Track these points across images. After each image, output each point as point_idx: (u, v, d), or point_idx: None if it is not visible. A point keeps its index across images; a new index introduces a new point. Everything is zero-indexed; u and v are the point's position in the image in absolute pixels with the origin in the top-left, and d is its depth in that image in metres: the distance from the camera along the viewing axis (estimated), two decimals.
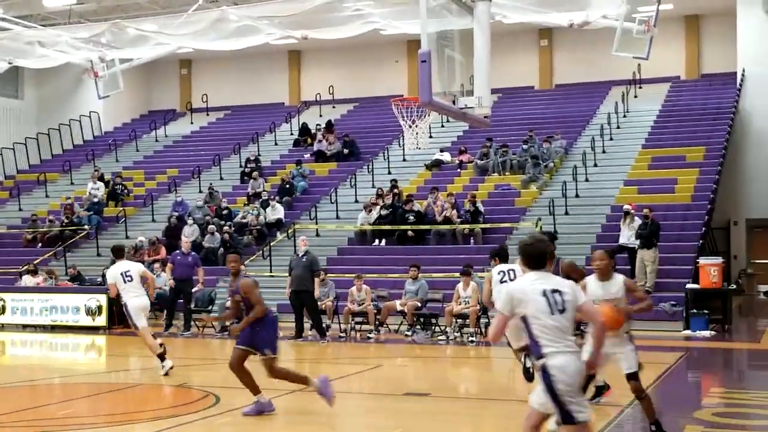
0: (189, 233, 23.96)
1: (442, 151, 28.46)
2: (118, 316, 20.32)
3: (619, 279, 8.21)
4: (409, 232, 23.10)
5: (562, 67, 33.91)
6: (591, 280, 8.20)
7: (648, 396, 8.20)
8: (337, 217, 25.30)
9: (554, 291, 5.70)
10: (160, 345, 13.12)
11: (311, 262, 18.09)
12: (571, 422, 5.69)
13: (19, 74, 35.20)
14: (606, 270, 8.19)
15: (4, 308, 21.30)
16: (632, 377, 8.08)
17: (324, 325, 17.94)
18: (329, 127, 31.33)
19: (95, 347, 18.13)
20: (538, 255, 5.87)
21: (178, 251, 20.07)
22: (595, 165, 25.92)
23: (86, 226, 26.93)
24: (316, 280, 18.12)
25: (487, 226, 22.94)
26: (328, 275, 19.37)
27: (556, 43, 33.87)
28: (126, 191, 29.73)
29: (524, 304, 5.70)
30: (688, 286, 18.70)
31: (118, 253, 13.84)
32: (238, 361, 9.76)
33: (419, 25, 10.35)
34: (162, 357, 12.96)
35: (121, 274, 13.20)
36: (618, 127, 28.31)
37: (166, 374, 12.72)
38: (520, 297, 5.72)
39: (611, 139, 27.59)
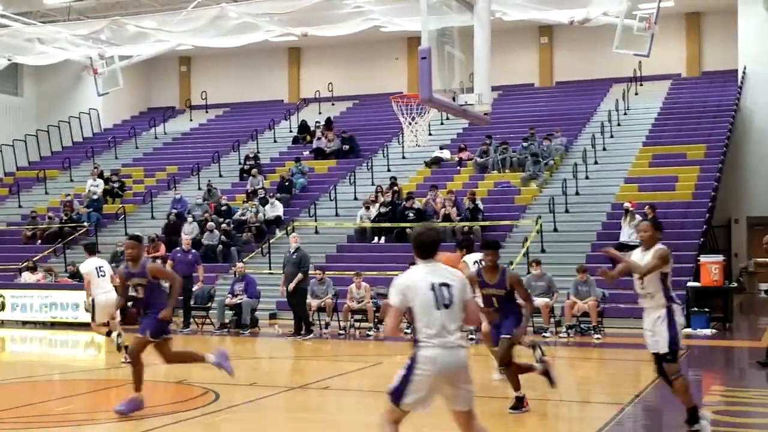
0: (189, 231, 23.93)
1: (441, 148, 28.42)
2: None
3: (649, 252, 8.16)
4: (408, 230, 23.04)
5: (563, 65, 33.87)
6: (636, 251, 8.34)
7: (682, 377, 8.06)
8: (337, 215, 25.26)
9: (442, 285, 5.67)
10: (119, 344, 13.74)
11: (300, 259, 18.13)
12: (395, 401, 5.73)
13: (19, 71, 35.13)
14: (649, 240, 8.18)
15: (3, 305, 21.28)
16: (663, 359, 7.99)
17: (324, 323, 17.91)
18: (328, 124, 31.28)
19: (94, 344, 18.09)
20: (430, 244, 5.79)
21: (178, 249, 20.07)
22: (596, 163, 25.88)
23: (85, 223, 26.90)
24: (299, 276, 17.99)
25: (487, 223, 22.91)
26: (327, 273, 19.35)
27: (557, 41, 33.82)
28: (122, 188, 29.63)
29: (412, 297, 5.64)
30: (689, 284, 18.66)
31: (91, 249, 14.97)
32: (139, 349, 9.61)
33: (419, 22, 10.31)
34: (121, 347, 13.64)
35: (96, 268, 14.04)
36: (618, 125, 28.27)
37: (118, 349, 13.58)
38: (409, 290, 5.66)
39: (612, 136, 27.55)
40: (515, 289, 9.57)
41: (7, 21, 27.88)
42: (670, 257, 8.06)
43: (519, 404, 9.49)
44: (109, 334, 14.35)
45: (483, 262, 9.76)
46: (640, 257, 8.22)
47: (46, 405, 10.58)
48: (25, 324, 21.08)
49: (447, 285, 5.69)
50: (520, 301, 9.74)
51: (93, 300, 14.00)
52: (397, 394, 5.72)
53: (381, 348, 16.92)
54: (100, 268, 14.21)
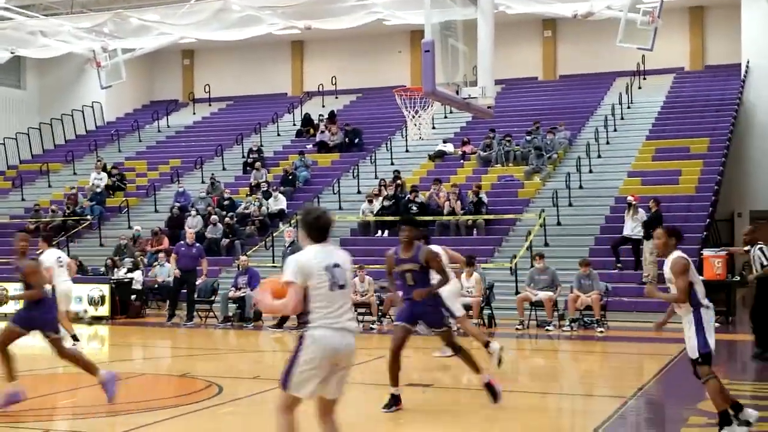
0: (192, 224, 23.96)
1: (445, 142, 28.40)
2: (120, 306, 20.39)
3: (669, 258, 8.04)
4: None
5: (566, 58, 33.81)
6: (647, 244, 8.31)
7: (712, 380, 8.05)
8: (340, 208, 25.25)
9: (335, 265, 5.73)
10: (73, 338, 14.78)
11: (293, 252, 18.09)
12: (284, 385, 5.71)
13: (22, 64, 35.15)
14: (663, 248, 8.10)
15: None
16: (695, 362, 7.97)
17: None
18: (332, 117, 31.26)
19: (98, 337, 18.13)
20: (327, 227, 5.86)
21: (182, 242, 20.08)
22: (599, 156, 25.86)
23: (89, 217, 26.92)
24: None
25: (491, 217, 22.91)
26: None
27: (560, 34, 33.77)
28: (123, 181, 29.63)
29: (309, 277, 5.66)
30: None
31: (49, 240, 15.98)
32: (5, 338, 9.63)
33: (422, 15, 10.30)
34: (75, 338, 14.88)
35: (56, 259, 14.85)
36: (622, 119, 28.24)
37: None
38: (307, 269, 5.67)
39: (615, 130, 27.51)
40: (430, 264, 9.28)
41: (9, 14, 27.89)
42: (689, 265, 7.97)
43: (492, 391, 9.31)
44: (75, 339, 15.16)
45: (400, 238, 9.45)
46: (649, 253, 8.21)
47: (51, 398, 10.60)
48: None
49: (339, 266, 5.74)
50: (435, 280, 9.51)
51: (53, 289, 14.62)
52: (286, 378, 5.71)
53: (384, 341, 16.89)
54: (59, 258, 15.11)
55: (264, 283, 6.06)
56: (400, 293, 9.62)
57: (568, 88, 32.63)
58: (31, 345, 17.89)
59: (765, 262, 13.48)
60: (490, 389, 9.31)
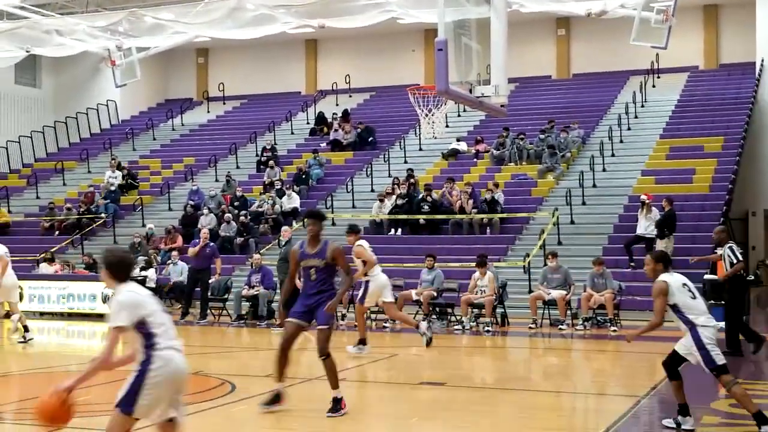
0: (206, 222, 24.04)
1: (458, 140, 28.39)
2: None
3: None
4: (421, 220, 23.10)
5: (580, 57, 33.75)
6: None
7: (735, 386, 8.09)
8: (353, 207, 25.29)
9: (153, 295, 5.93)
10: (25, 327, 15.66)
11: (286, 253, 18.18)
12: (126, 409, 5.62)
13: (37, 63, 35.30)
14: (650, 273, 8.28)
15: (21, 296, 21.37)
16: (716, 372, 8.05)
17: (340, 314, 17.94)
18: (345, 116, 31.30)
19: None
20: (131, 265, 5.94)
21: (195, 241, 20.12)
22: (613, 155, 25.80)
23: (103, 215, 27.04)
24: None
25: (504, 215, 22.90)
26: None
27: (574, 33, 33.70)
28: (134, 180, 29.68)
29: (146, 310, 5.66)
30: (706, 276, 18.58)
31: None
32: None
33: (436, 13, 10.31)
34: (26, 328, 15.75)
35: (4, 253, 15.58)
36: (636, 117, 28.17)
37: (24, 341, 15.48)
38: (140, 305, 5.67)
39: (629, 129, 27.45)
40: (336, 260, 9.03)
41: (26, 13, 28.01)
42: (666, 289, 8.08)
43: (336, 406, 8.81)
44: (8, 315, 16.64)
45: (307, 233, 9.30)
46: None
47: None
48: (42, 315, 21.24)
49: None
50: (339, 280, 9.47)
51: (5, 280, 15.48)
52: (128, 401, 5.62)
53: (397, 340, 16.94)
54: (6, 253, 15.72)
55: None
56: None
57: (581, 86, 32.57)
58: (45, 342, 18.05)
59: (734, 261, 13.50)
60: (336, 404, 8.82)
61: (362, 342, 13.79)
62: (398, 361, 14.09)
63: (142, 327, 5.66)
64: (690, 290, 8.23)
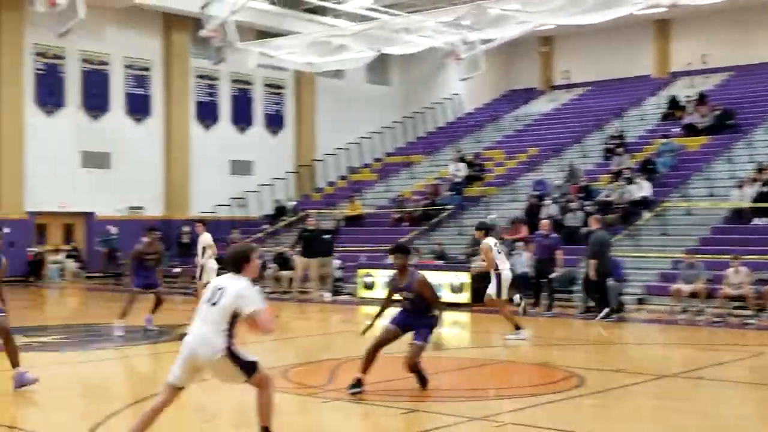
0: (548, 213, 23.44)
1: None
2: (475, 294, 20.31)
3: None
4: None
5: None
6: None
7: None
8: (711, 195, 23.39)
9: (219, 288, 6.57)
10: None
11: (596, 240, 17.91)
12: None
13: (386, 62, 36.72)
14: None
15: (374, 284, 22.13)
16: None
17: (696, 309, 16.51)
18: (701, 98, 29.18)
19: (458, 323, 18.20)
20: (231, 261, 6.73)
21: (539, 232, 19.76)
22: None
23: (448, 206, 27.35)
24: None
25: None
26: (700, 256, 17.87)
27: None
28: (482, 171, 29.71)
29: None
30: None
31: None
32: None
33: None
34: None
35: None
36: None
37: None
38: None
39: None
40: (422, 292, 9.45)
41: (376, 14, 29.15)
42: None
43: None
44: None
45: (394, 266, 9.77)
46: None
47: (409, 380, 10.49)
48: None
49: (222, 289, 6.57)
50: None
51: None
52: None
53: (763, 337, 15.26)
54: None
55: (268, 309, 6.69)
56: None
57: None
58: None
59: None
60: None
61: (517, 328, 14.16)
62: (763, 360, 12.71)
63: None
64: None
